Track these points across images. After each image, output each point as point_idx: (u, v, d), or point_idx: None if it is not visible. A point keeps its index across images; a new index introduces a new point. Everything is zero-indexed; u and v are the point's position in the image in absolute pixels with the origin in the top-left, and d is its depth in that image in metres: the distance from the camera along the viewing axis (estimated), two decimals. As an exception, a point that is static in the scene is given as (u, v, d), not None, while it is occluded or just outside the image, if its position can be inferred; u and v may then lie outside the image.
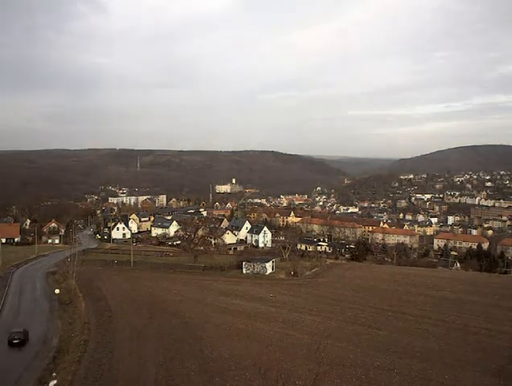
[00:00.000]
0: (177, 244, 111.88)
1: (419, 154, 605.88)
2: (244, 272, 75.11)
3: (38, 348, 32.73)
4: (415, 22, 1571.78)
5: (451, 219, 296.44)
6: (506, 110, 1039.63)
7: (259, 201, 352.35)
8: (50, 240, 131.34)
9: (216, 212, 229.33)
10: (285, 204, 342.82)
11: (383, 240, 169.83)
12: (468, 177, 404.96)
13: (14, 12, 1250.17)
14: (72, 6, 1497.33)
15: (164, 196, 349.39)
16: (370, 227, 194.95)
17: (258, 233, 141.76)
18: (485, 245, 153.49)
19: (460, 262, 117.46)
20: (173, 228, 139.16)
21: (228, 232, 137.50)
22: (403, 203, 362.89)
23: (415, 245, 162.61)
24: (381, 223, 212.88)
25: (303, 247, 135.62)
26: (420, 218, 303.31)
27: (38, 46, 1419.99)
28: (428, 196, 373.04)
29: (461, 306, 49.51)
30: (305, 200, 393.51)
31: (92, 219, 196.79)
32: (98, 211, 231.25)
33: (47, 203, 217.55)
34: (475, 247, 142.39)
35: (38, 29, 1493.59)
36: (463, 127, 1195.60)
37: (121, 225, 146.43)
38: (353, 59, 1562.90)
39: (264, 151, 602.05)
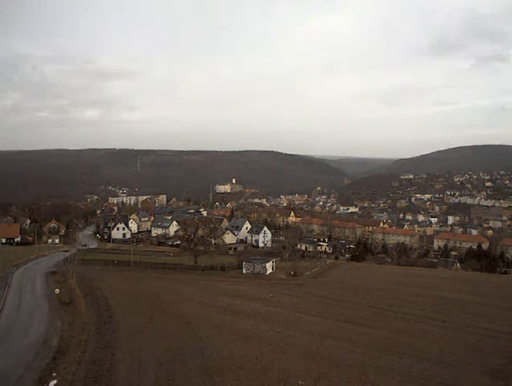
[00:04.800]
0: (177, 244, 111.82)
1: (418, 154, 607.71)
2: (244, 272, 75.17)
3: (38, 348, 32.67)
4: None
5: (451, 219, 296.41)
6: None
7: (259, 201, 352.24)
8: (50, 240, 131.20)
9: (216, 212, 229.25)
10: (285, 204, 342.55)
11: (383, 240, 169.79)
12: (468, 177, 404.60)
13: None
14: None
15: (164, 196, 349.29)
16: (370, 227, 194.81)
17: (258, 233, 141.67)
18: (485, 245, 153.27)
19: (460, 262, 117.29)
20: (173, 228, 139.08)
21: (228, 231, 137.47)
22: (403, 203, 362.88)
23: (415, 245, 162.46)
24: (381, 223, 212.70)
25: (303, 247, 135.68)
26: (420, 218, 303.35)
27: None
28: (428, 196, 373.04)
29: (461, 306, 49.50)
30: (305, 200, 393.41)
31: (92, 219, 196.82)
32: (98, 211, 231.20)
33: (47, 203, 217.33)
34: (475, 247, 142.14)
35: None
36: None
37: (121, 225, 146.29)
38: (353, 60, 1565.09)
39: (264, 151, 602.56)
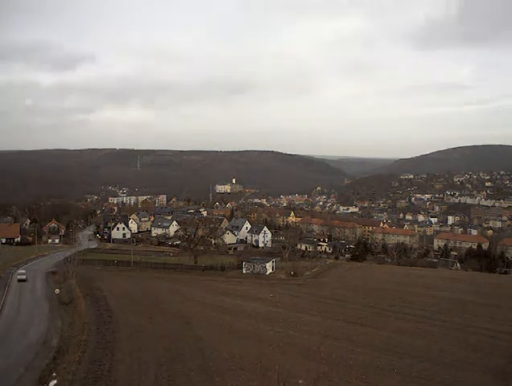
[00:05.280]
0: (177, 244, 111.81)
1: (418, 154, 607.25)
2: (244, 272, 75.18)
3: (38, 348, 32.67)
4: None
5: (451, 219, 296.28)
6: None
7: (259, 201, 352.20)
8: (50, 240, 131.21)
9: (216, 212, 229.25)
10: (285, 204, 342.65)
11: (383, 240, 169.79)
12: (468, 177, 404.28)
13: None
14: None
15: (164, 196, 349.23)
16: (370, 227, 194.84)
17: (258, 233, 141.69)
18: (485, 245, 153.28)
19: (460, 262, 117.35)
20: (173, 228, 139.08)
21: (228, 231, 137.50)
22: (403, 203, 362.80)
23: (415, 245, 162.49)
24: (381, 223, 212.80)
25: (303, 247, 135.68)
26: (420, 218, 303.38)
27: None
28: (428, 196, 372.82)
29: (461, 306, 49.50)
30: (305, 200, 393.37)
31: (92, 219, 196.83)
32: (98, 211, 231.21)
33: (47, 203, 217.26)
34: (475, 247, 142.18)
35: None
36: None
37: (121, 225, 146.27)
38: (353, 60, 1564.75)
39: (264, 151, 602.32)
